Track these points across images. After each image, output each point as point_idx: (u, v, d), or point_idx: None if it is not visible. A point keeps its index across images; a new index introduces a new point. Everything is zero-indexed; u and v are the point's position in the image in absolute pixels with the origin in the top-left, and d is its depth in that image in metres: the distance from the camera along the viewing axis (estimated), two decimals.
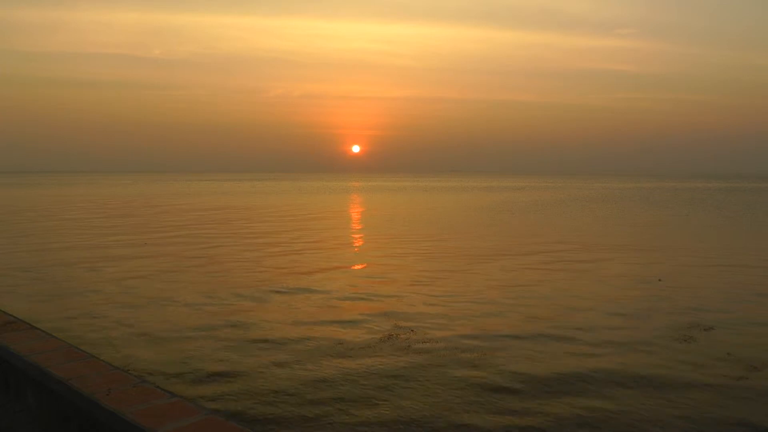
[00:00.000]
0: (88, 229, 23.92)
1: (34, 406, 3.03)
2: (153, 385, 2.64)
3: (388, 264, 15.23)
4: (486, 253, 17.20)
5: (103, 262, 15.25)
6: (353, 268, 14.94)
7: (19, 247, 18.16)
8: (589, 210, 38.32)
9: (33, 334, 3.59)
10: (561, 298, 11.19)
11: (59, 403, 2.74)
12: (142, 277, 13.23)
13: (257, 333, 8.62)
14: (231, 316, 9.59)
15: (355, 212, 37.61)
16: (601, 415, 5.79)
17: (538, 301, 10.90)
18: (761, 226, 28.13)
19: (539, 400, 6.16)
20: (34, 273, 13.59)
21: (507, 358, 7.49)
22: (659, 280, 12.97)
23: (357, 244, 20.32)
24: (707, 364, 7.29)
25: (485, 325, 9.09)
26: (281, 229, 25.06)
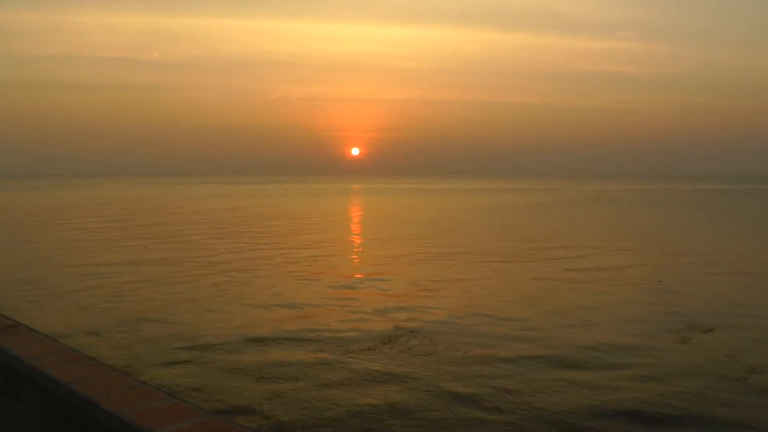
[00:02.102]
0: (104, 242, 23.76)
1: (34, 408, 3.04)
2: (153, 387, 2.65)
3: (389, 266, 15.24)
4: (487, 255, 17.21)
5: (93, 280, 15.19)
6: (356, 271, 14.95)
7: (22, 259, 18.11)
8: (590, 212, 38.33)
9: (33, 337, 3.60)
10: (562, 299, 11.19)
11: (60, 405, 2.75)
12: (131, 292, 13.20)
13: (257, 335, 8.63)
14: (233, 319, 9.60)
15: (362, 216, 37.65)
16: (600, 415, 5.80)
17: (539, 303, 10.89)
18: (761, 228, 28.14)
19: (538, 400, 6.16)
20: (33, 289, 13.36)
21: (507, 360, 7.49)
22: (659, 281, 12.97)
23: (364, 248, 20.33)
24: (707, 366, 7.29)
25: (485, 326, 9.10)
26: (302, 234, 25.05)
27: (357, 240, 22.67)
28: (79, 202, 51.24)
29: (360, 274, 14.47)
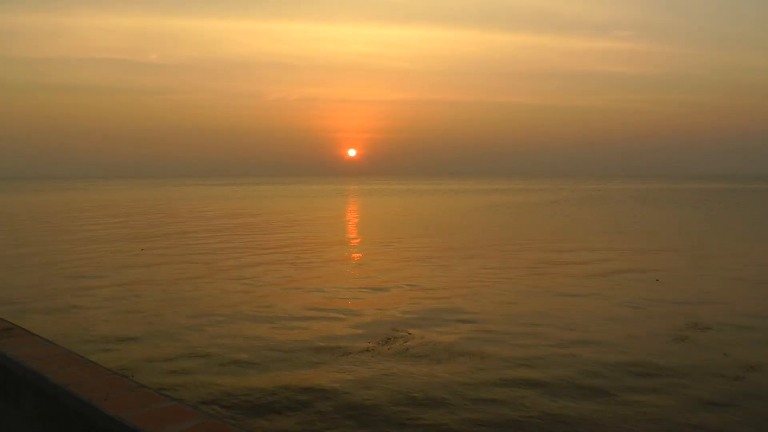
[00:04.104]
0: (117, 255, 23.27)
1: (32, 411, 3.03)
2: (151, 390, 2.65)
3: (386, 267, 15.23)
4: (483, 254, 17.21)
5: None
6: (354, 271, 14.95)
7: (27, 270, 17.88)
8: (588, 211, 38.37)
9: (31, 340, 3.59)
10: (559, 297, 11.21)
11: (58, 409, 2.74)
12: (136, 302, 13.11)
13: (254, 334, 8.62)
14: (224, 318, 9.59)
15: (367, 219, 37.66)
16: (598, 414, 5.80)
17: (537, 302, 10.91)
18: (757, 226, 28.21)
19: (537, 400, 6.16)
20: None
21: (505, 360, 7.50)
22: (656, 280, 12.99)
23: (368, 252, 20.31)
24: (704, 365, 7.31)
25: (482, 327, 9.10)
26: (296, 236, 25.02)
27: (362, 244, 22.68)
28: (81, 205, 51.08)
29: (363, 276, 14.46)
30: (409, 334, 8.71)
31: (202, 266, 15.32)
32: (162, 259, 16.77)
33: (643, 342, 8.28)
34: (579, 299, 11.18)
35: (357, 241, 22.80)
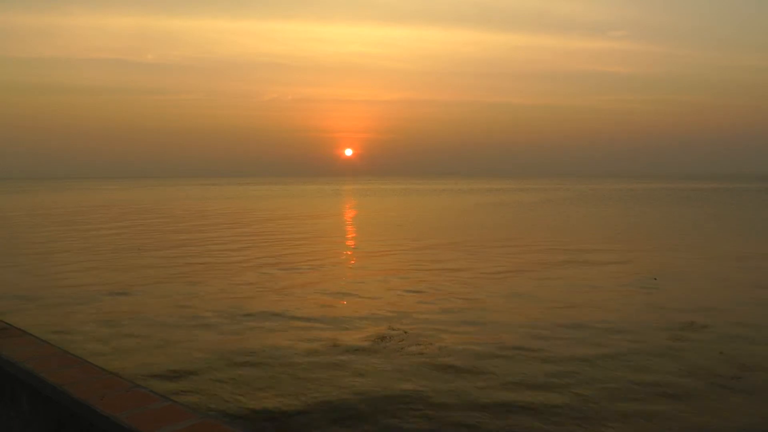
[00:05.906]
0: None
1: (28, 412, 3.03)
2: (147, 390, 2.65)
3: (383, 266, 15.24)
4: (479, 253, 17.23)
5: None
6: (351, 271, 14.95)
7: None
8: (584, 210, 38.40)
9: (26, 340, 3.59)
10: (554, 297, 11.22)
11: (54, 409, 2.75)
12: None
13: (249, 333, 8.61)
14: (218, 319, 9.58)
15: (371, 219, 37.63)
16: (594, 413, 5.82)
17: (532, 302, 10.92)
18: (754, 225, 28.29)
19: (535, 400, 6.18)
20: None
21: (501, 359, 7.51)
22: (654, 278, 13.02)
23: (370, 252, 20.30)
24: (700, 364, 7.33)
25: (478, 327, 9.11)
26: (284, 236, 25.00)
27: (365, 243, 22.67)
28: (79, 207, 50.95)
29: (361, 276, 14.46)
30: (406, 333, 8.71)
31: (216, 279, 15.28)
32: (160, 270, 16.74)
33: (639, 342, 8.29)
34: (576, 298, 11.17)
35: (368, 243, 22.77)
